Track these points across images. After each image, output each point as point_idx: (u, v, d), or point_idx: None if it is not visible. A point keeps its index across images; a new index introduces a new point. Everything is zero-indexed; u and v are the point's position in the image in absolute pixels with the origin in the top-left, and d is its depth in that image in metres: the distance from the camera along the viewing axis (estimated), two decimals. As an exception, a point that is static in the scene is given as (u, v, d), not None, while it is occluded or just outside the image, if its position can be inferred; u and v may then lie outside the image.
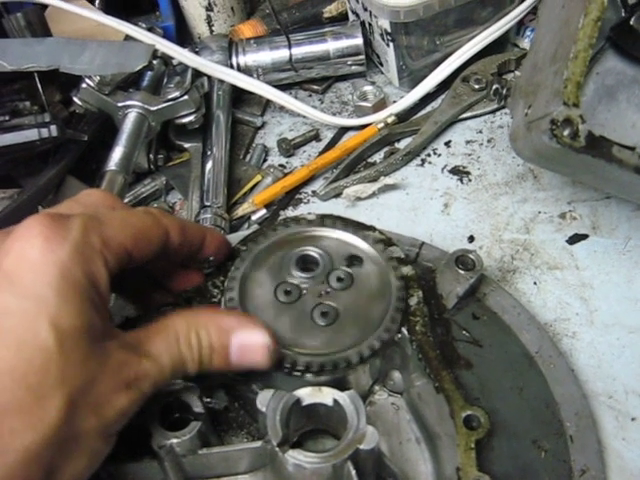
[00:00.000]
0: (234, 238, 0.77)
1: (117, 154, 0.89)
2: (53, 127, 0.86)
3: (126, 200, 0.96)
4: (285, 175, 0.97)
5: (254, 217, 0.94)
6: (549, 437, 0.68)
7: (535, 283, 0.83)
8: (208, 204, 0.91)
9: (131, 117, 0.93)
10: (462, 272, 0.76)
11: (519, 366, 0.73)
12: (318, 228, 0.75)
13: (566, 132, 0.62)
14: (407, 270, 0.73)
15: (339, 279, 0.72)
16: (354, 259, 0.74)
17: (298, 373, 0.67)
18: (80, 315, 0.53)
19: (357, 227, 0.75)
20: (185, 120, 0.96)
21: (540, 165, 0.77)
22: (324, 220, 0.76)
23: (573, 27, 0.64)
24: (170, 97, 0.94)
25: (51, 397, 0.51)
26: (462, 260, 0.77)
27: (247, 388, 0.70)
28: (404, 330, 0.69)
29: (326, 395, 0.66)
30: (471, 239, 0.89)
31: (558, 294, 0.82)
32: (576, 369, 0.75)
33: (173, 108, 0.95)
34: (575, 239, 0.87)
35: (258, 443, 0.65)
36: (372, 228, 0.76)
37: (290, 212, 0.96)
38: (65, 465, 0.52)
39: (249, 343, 0.62)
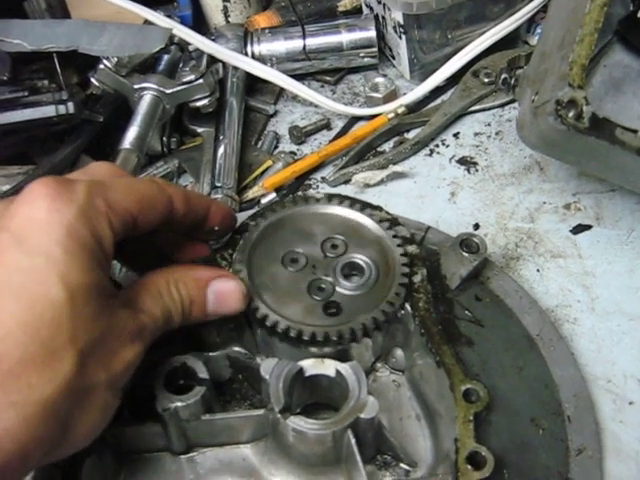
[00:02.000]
0: (243, 216, 0.78)
1: (132, 134, 0.91)
2: (70, 104, 0.88)
3: (139, 181, 0.97)
4: (295, 161, 0.98)
5: (264, 200, 0.96)
6: (547, 416, 0.69)
7: (538, 270, 0.85)
8: (219, 185, 0.92)
9: (146, 99, 0.95)
10: (466, 255, 0.77)
11: (519, 347, 0.74)
12: (325, 206, 0.77)
13: (571, 113, 0.63)
14: (412, 249, 0.74)
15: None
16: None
17: (302, 344, 0.68)
18: (88, 272, 0.55)
19: (364, 206, 0.77)
20: (199, 104, 0.98)
21: (545, 152, 0.78)
22: (331, 198, 0.77)
23: (580, 13, 0.65)
24: (185, 80, 0.96)
25: (64, 351, 0.52)
26: (467, 243, 0.78)
27: (251, 359, 0.72)
28: (407, 307, 0.71)
29: (328, 366, 0.68)
30: (476, 226, 0.90)
31: (560, 281, 0.83)
32: (576, 353, 0.76)
33: (188, 91, 0.97)
34: (579, 229, 0.88)
35: (261, 411, 0.67)
36: (379, 208, 0.78)
37: (299, 197, 0.97)
38: (79, 418, 0.54)
39: (224, 291, 0.66)
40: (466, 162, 0.98)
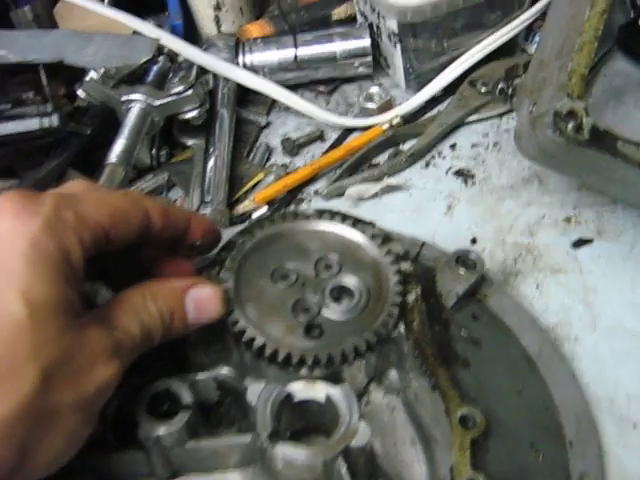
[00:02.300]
0: (230, 232, 0.76)
1: (119, 147, 0.89)
2: (55, 117, 0.85)
3: (127, 195, 0.95)
4: (288, 174, 0.96)
5: (255, 215, 0.93)
6: (547, 441, 0.66)
7: (538, 286, 0.82)
8: (208, 200, 0.90)
9: (134, 111, 0.93)
10: (462, 272, 0.74)
11: (518, 368, 0.71)
12: (316, 221, 0.74)
13: (570, 125, 0.60)
14: (406, 266, 0.71)
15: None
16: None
17: (291, 367, 0.65)
18: (52, 287, 0.52)
19: (356, 222, 0.74)
20: (189, 115, 0.95)
21: (544, 164, 0.76)
22: (322, 214, 0.74)
23: (579, 21, 0.63)
24: (174, 91, 0.93)
25: (25, 369, 0.49)
26: (463, 259, 0.76)
27: (239, 382, 0.69)
28: (401, 327, 0.68)
29: (319, 389, 0.65)
30: (474, 241, 0.87)
31: (561, 298, 0.80)
32: (578, 373, 0.73)
33: (177, 103, 0.94)
34: (580, 243, 0.85)
35: (248, 437, 0.64)
36: (371, 224, 0.75)
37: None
38: (41, 442, 0.51)
39: (203, 297, 0.63)
40: (463, 174, 0.95)
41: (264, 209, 0.93)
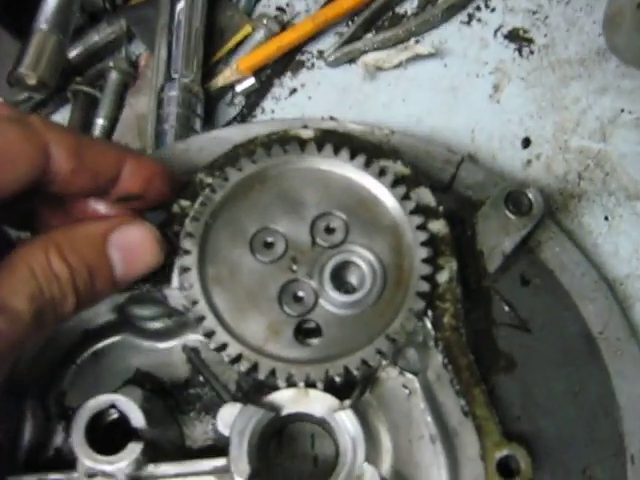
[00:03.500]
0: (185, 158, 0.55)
1: (49, 5, 0.64)
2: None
3: (75, 52, 0.74)
4: (283, 28, 0.73)
5: (239, 88, 0.73)
6: (604, 461, 0.54)
7: (607, 218, 0.63)
8: (175, 76, 0.68)
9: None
10: (513, 217, 0.56)
11: (576, 356, 0.56)
12: (314, 158, 0.53)
13: None
14: (438, 227, 0.52)
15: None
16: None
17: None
18: None
19: (371, 154, 0.53)
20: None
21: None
22: (324, 143, 0.53)
23: None
24: None
25: None
26: (514, 199, 0.57)
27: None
28: (427, 321, 0.50)
29: (313, 400, 0.50)
30: (526, 143, 0.67)
31: (636, 237, 0.62)
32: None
33: None
34: (668, 155, 0.65)
35: (222, 460, 0.49)
36: (393, 155, 0.54)
37: (288, 80, 0.73)
38: None
39: (132, 242, 0.48)
40: (517, 38, 0.71)
41: (250, 81, 0.72)
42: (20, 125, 0.45)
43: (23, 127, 0.45)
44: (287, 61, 0.73)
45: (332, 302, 0.49)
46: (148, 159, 0.51)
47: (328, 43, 0.73)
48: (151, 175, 0.50)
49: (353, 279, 0.51)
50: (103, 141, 0.63)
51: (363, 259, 0.50)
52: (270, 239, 0.51)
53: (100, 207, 0.50)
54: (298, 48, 0.74)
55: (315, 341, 0.49)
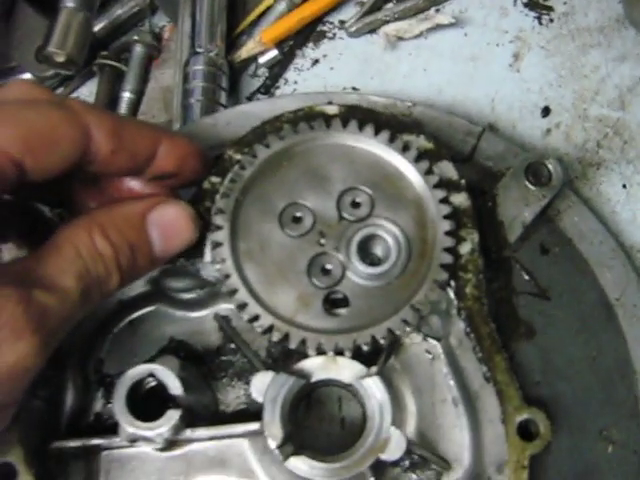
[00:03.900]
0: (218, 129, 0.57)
1: (75, -18, 0.66)
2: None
3: (100, 26, 0.75)
4: (305, 0, 0.73)
5: (262, 59, 0.74)
6: (620, 422, 0.56)
7: (625, 186, 0.64)
8: (200, 50, 0.69)
9: None
10: (533, 188, 0.57)
11: (594, 322, 0.58)
12: (340, 134, 0.54)
13: None
14: (460, 200, 0.54)
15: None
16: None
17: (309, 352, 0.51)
18: None
19: (395, 129, 0.54)
20: None
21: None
22: (349, 119, 0.54)
23: None
24: None
25: None
26: (534, 170, 0.58)
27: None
28: (450, 291, 0.52)
29: (342, 367, 0.52)
30: (546, 111, 0.68)
31: (653, 205, 0.63)
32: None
33: None
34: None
35: (255, 425, 0.52)
36: (415, 129, 0.55)
37: (310, 51, 0.74)
38: None
39: (169, 220, 0.50)
40: (537, 5, 0.71)
41: (274, 52, 0.73)
42: (61, 108, 0.46)
43: (64, 110, 0.46)
44: (309, 32, 0.74)
45: (359, 274, 0.51)
46: (182, 139, 0.52)
47: (349, 13, 0.73)
48: (185, 154, 0.51)
49: (379, 252, 0.53)
50: (140, 121, 0.65)
51: (388, 232, 0.52)
52: (298, 214, 0.53)
53: (135, 185, 0.52)
54: (320, 19, 0.74)
55: (343, 311, 0.51)
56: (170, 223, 0.50)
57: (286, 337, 0.50)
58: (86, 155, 0.46)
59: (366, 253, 0.52)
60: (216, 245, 0.52)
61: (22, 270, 0.43)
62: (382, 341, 0.50)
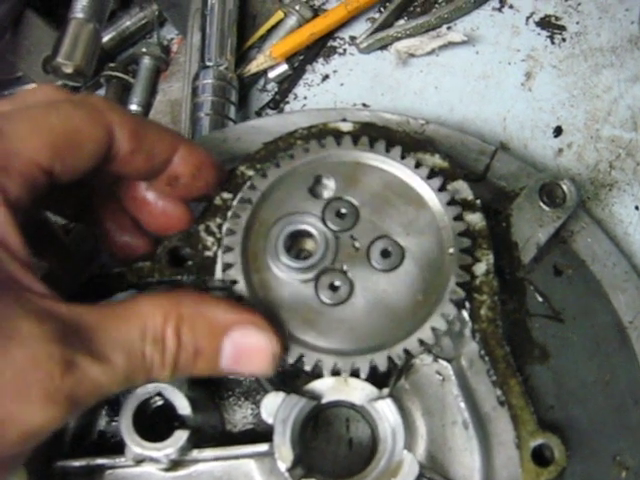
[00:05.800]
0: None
1: (84, -5, 0.65)
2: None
3: (108, 37, 0.75)
4: (315, 15, 0.73)
5: (271, 74, 0.73)
6: (633, 448, 0.54)
7: (637, 208, 0.64)
8: (210, 63, 0.68)
9: None
10: (547, 209, 0.56)
11: (607, 345, 0.57)
12: (351, 152, 0.53)
13: None
14: (475, 220, 0.53)
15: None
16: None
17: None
18: None
19: (407, 148, 0.54)
20: None
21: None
22: (361, 137, 0.54)
23: None
24: None
25: None
26: (549, 191, 0.57)
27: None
28: (464, 313, 0.51)
29: (353, 390, 0.51)
30: (558, 131, 0.67)
31: (666, 227, 0.63)
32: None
33: None
34: (699, 145, 0.65)
35: (264, 446, 0.51)
36: (429, 148, 0.55)
37: (320, 66, 0.73)
38: None
39: (248, 347, 0.46)
40: (549, 25, 0.71)
41: (283, 67, 0.72)
42: (85, 107, 0.45)
43: (88, 109, 0.45)
44: (319, 47, 0.74)
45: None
46: (199, 147, 0.51)
47: (360, 29, 0.73)
48: (201, 162, 0.51)
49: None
50: (160, 125, 0.64)
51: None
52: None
53: (150, 197, 0.51)
54: (330, 34, 0.74)
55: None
56: (249, 350, 0.46)
57: (300, 359, 0.49)
58: (108, 153, 0.46)
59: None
60: (227, 266, 0.51)
61: (70, 321, 0.40)
62: (398, 361, 0.49)
